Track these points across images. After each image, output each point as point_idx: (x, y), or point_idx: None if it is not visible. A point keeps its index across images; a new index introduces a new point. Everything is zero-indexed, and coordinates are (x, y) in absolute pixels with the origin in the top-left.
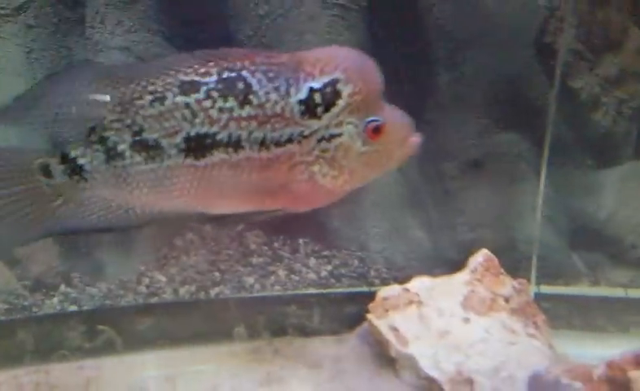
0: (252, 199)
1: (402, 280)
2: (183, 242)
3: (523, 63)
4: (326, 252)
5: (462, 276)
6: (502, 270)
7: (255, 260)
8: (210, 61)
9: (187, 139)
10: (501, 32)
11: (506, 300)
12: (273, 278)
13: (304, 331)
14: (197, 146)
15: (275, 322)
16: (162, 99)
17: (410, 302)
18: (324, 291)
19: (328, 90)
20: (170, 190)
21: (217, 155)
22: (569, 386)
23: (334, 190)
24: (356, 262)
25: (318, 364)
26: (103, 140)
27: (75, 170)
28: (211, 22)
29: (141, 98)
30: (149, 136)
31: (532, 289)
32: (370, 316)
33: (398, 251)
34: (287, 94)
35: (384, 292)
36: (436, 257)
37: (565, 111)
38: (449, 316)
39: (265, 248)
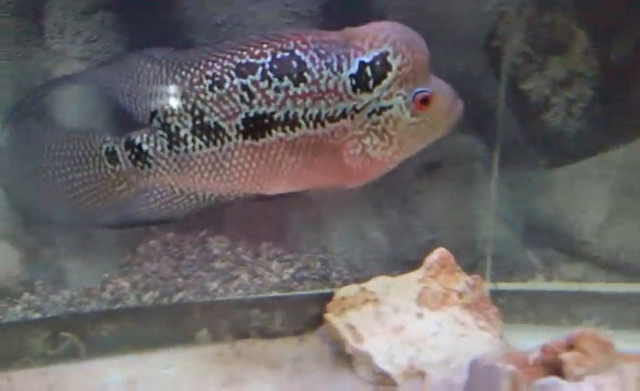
0: (307, 177)
1: (363, 281)
2: (146, 249)
3: (476, 66)
4: (288, 256)
5: (418, 274)
6: (458, 268)
7: (218, 265)
8: (263, 43)
9: (246, 120)
10: (453, 36)
11: (460, 295)
12: (236, 282)
13: (267, 334)
14: (256, 126)
15: (238, 326)
16: (220, 83)
17: (367, 301)
18: (286, 293)
19: (378, 63)
20: (231, 172)
21: (275, 135)
22: (502, 369)
23: (383, 161)
24: (318, 265)
25: (279, 364)
26: (165, 126)
27: (139, 156)
28: (168, 30)
29: (200, 82)
30: (209, 119)
31: (489, 286)
32: (328, 315)
33: (359, 253)
34: (339, 69)
35: (342, 291)
36: (396, 259)
37: (517, 112)
38: (403, 312)
39: (229, 252)
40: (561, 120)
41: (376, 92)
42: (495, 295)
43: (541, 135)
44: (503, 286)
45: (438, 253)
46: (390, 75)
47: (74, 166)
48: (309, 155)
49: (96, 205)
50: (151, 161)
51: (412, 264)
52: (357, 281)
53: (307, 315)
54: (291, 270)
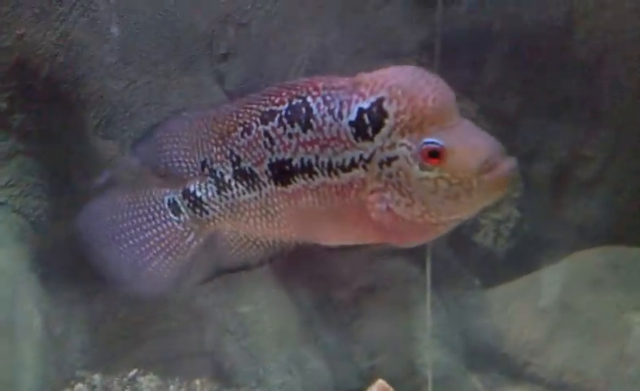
0: (345, 230)
1: None
2: None
3: None
4: None
5: None
6: None
7: None
8: (283, 91)
9: (271, 166)
10: None
11: None
12: None
13: None
14: (280, 172)
15: None
16: (249, 129)
17: None
18: None
19: (374, 109)
20: (273, 217)
21: (299, 182)
22: None
23: (413, 220)
24: None
25: None
26: (212, 172)
27: (196, 203)
28: (88, 171)
29: (235, 130)
30: (245, 165)
31: None
32: None
33: (297, 384)
34: (340, 116)
35: None
36: (337, 387)
37: (447, 235)
38: None
39: None
40: (491, 240)
41: (377, 140)
42: None
43: (473, 256)
44: None
45: (377, 387)
46: (387, 122)
47: (146, 223)
48: (336, 206)
49: (174, 263)
50: (206, 207)
51: None
52: None
53: None
54: None
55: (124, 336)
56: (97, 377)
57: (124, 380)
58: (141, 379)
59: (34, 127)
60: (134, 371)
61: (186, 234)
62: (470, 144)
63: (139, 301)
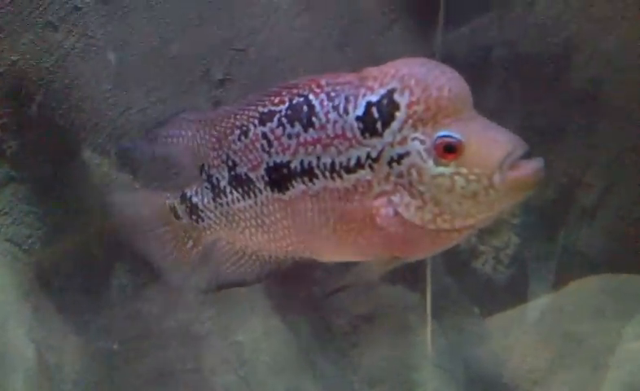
0: (347, 242)
1: None
2: None
3: None
4: None
5: None
6: None
7: None
8: (283, 91)
9: (268, 170)
10: None
11: None
12: None
13: None
14: (277, 177)
15: None
16: (246, 132)
17: None
18: None
19: (385, 101)
20: (270, 228)
21: (298, 187)
22: None
23: (424, 226)
24: None
25: None
26: (209, 177)
27: (192, 209)
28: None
29: (232, 133)
30: (240, 170)
31: None
32: None
33: None
34: (346, 111)
35: None
36: None
37: (447, 261)
38: None
39: None
40: (491, 267)
41: (387, 136)
42: None
43: (472, 284)
44: None
45: None
46: (399, 115)
47: (153, 223)
48: (338, 213)
49: (178, 266)
50: (202, 214)
51: None
52: None
53: None
54: None
55: (118, 367)
56: None
57: None
58: None
59: (28, 155)
60: None
61: (186, 239)
62: (490, 137)
63: (133, 330)
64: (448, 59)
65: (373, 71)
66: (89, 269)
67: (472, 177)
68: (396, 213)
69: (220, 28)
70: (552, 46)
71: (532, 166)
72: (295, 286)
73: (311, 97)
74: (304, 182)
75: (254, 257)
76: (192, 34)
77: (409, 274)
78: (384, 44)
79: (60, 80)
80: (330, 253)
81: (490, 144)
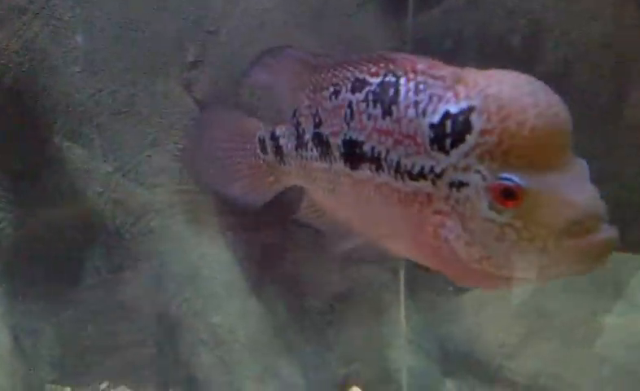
0: (402, 243)
1: None
2: None
3: None
4: None
5: None
6: None
7: None
8: (381, 62)
9: (345, 142)
10: None
11: None
12: None
13: None
14: (350, 153)
15: None
16: (337, 93)
17: None
18: None
19: (460, 118)
20: (340, 199)
21: (365, 171)
22: None
23: (470, 262)
24: None
25: None
26: (298, 124)
27: (278, 150)
28: None
29: (326, 88)
30: (323, 131)
31: None
32: None
33: None
34: (424, 113)
35: None
36: None
37: None
38: None
39: None
40: None
41: (453, 156)
42: None
43: None
44: None
45: None
46: (469, 139)
47: (239, 146)
48: (396, 213)
49: (257, 192)
50: (285, 158)
51: None
52: None
53: None
54: None
55: (95, 349)
56: (67, 390)
57: None
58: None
59: None
60: (106, 384)
61: (268, 173)
62: (561, 194)
63: (110, 313)
64: (420, 42)
65: (470, 75)
66: (63, 252)
67: (526, 234)
68: (446, 239)
69: (191, 9)
70: (521, 28)
71: (602, 237)
72: (272, 268)
73: (402, 81)
74: (370, 170)
75: (327, 214)
76: (163, 16)
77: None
78: (355, 26)
79: (29, 63)
80: (386, 245)
81: (558, 201)
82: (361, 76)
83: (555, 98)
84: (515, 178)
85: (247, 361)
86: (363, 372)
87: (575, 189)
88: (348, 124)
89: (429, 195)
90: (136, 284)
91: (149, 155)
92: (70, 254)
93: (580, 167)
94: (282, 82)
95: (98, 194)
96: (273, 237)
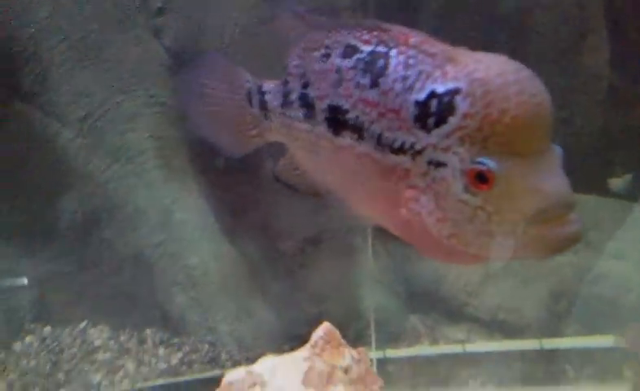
0: (376, 211)
1: (253, 359)
2: (22, 346)
3: None
4: (175, 340)
5: (304, 352)
6: (343, 342)
7: (101, 356)
8: (375, 30)
9: (329, 107)
10: None
11: (345, 371)
12: (121, 372)
13: None
14: (334, 118)
15: None
16: (328, 56)
17: (254, 384)
18: (174, 380)
19: (446, 99)
20: (320, 163)
21: (347, 138)
22: None
23: (440, 238)
24: (206, 347)
25: None
26: (286, 83)
27: (263, 104)
28: None
29: (317, 49)
30: (309, 93)
31: (377, 354)
32: None
33: (247, 331)
34: (411, 88)
35: (229, 376)
36: (284, 334)
37: None
38: None
39: (112, 342)
40: None
41: (434, 136)
42: (383, 363)
43: None
44: (390, 353)
45: (323, 329)
46: (452, 120)
47: (227, 94)
48: (373, 184)
49: (239, 142)
50: (269, 114)
51: (301, 338)
52: (248, 360)
53: None
54: (180, 355)
55: (74, 289)
56: (47, 329)
57: (75, 331)
58: (91, 330)
59: None
60: (84, 323)
61: (251, 126)
62: (530, 182)
63: (86, 255)
64: None
65: (461, 56)
66: (37, 196)
67: (495, 218)
68: (419, 212)
69: None
70: None
71: (568, 227)
72: (244, 213)
73: (392, 52)
74: (352, 138)
75: (308, 174)
76: None
77: None
78: None
79: None
80: (361, 211)
81: (528, 190)
82: (352, 43)
83: (540, 89)
84: (490, 163)
85: (222, 301)
86: (333, 311)
87: (546, 178)
88: (334, 89)
89: (407, 170)
90: (110, 228)
91: (119, 102)
92: (44, 198)
93: (555, 155)
94: (280, 35)
95: (70, 139)
96: (246, 183)
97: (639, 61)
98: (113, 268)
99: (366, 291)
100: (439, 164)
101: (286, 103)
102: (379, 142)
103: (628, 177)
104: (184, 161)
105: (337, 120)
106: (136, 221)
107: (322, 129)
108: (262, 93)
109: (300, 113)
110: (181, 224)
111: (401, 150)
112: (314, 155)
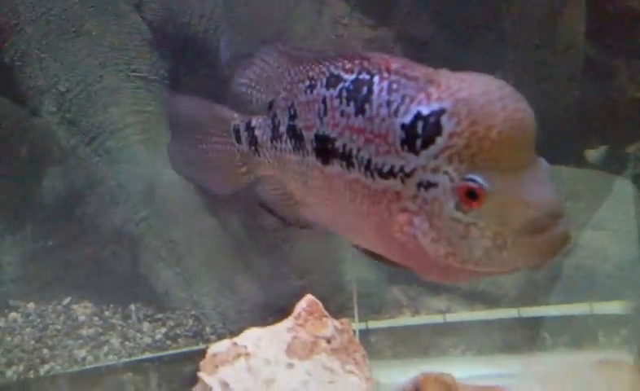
0: (369, 238)
1: (238, 333)
2: (6, 322)
3: None
4: (159, 315)
5: (288, 323)
6: (326, 313)
7: (85, 331)
8: (356, 59)
9: (317, 137)
10: None
11: (328, 341)
12: (106, 347)
13: None
14: (322, 148)
15: None
16: (313, 87)
17: (239, 355)
18: (159, 354)
19: (431, 120)
20: (311, 192)
21: (336, 166)
22: None
23: (437, 258)
24: (190, 321)
25: None
26: (274, 117)
27: (253, 141)
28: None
29: (302, 81)
30: (297, 124)
31: (360, 326)
32: (201, 374)
33: (231, 305)
34: (396, 112)
35: (214, 348)
36: (268, 307)
37: None
38: (274, 364)
39: (96, 318)
40: None
41: (422, 157)
42: (366, 333)
43: None
44: (373, 324)
45: (306, 301)
46: (439, 141)
47: (213, 136)
48: (365, 209)
49: (228, 181)
50: (260, 149)
51: (284, 311)
52: (232, 333)
53: (182, 374)
54: (164, 329)
55: (57, 265)
56: (31, 306)
57: (59, 307)
58: (75, 306)
59: None
60: (68, 299)
61: (240, 164)
62: (519, 196)
63: (69, 231)
64: None
65: (443, 77)
66: (20, 171)
67: (488, 232)
68: (414, 236)
69: None
70: None
71: (555, 232)
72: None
73: (375, 79)
74: (341, 165)
75: (298, 205)
76: None
77: None
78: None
79: None
80: (353, 238)
81: (516, 204)
82: (335, 72)
83: (523, 105)
84: (480, 180)
85: (205, 276)
86: (317, 284)
87: (534, 190)
88: (321, 119)
89: (398, 194)
90: (93, 203)
91: (101, 76)
92: (26, 174)
93: (542, 167)
94: (264, 75)
95: (52, 113)
96: None
97: (615, 33)
98: (97, 243)
99: (348, 264)
100: (429, 185)
101: (275, 136)
102: (368, 167)
103: (604, 148)
104: (167, 136)
105: (326, 149)
106: (119, 197)
107: (312, 158)
108: (251, 129)
109: (289, 145)
110: (164, 199)
111: (390, 174)
112: (305, 185)
